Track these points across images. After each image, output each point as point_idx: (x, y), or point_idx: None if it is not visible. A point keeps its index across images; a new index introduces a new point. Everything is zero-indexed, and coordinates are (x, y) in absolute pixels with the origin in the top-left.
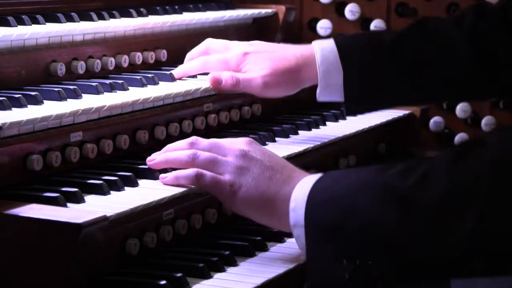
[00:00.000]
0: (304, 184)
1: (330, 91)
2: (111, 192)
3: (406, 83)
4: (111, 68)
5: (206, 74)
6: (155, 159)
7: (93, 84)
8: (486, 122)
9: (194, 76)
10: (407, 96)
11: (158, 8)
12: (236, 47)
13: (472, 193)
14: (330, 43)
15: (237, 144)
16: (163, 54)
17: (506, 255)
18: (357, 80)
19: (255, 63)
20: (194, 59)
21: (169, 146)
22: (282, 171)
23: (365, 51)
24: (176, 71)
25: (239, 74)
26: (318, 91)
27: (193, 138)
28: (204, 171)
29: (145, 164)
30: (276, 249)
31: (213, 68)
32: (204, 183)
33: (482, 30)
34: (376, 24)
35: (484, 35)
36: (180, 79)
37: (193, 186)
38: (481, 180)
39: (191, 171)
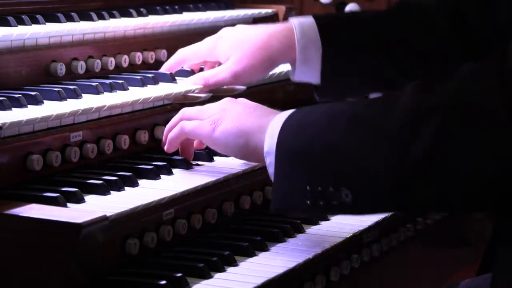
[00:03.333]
0: (282, 114)
1: (307, 67)
2: (111, 192)
3: (388, 63)
4: (111, 68)
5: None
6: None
7: (93, 84)
8: None
9: None
10: (385, 75)
11: (158, 8)
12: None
13: (429, 117)
14: (309, 20)
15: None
16: (163, 54)
17: (455, 185)
18: (334, 55)
19: (226, 46)
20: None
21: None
22: (265, 108)
23: (345, 26)
24: (162, 69)
25: (206, 72)
26: (296, 67)
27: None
28: (188, 121)
29: (145, 164)
30: (276, 249)
31: (190, 59)
32: (187, 132)
33: (464, 8)
34: None
35: (465, 13)
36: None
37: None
38: (440, 106)
39: (177, 126)
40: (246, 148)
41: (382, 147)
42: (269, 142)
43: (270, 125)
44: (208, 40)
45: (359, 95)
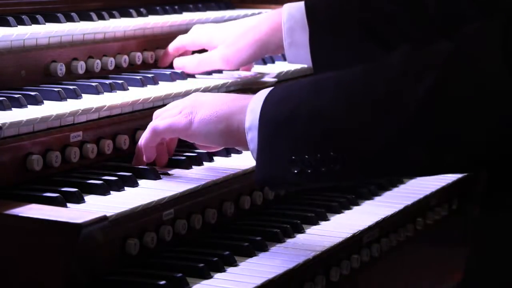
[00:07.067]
0: (263, 91)
1: (297, 50)
2: (111, 192)
3: (374, 42)
4: (111, 68)
5: (206, 73)
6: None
7: (93, 84)
8: None
9: (193, 76)
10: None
11: (158, 8)
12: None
13: (425, 74)
14: (300, 4)
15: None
16: None
17: (446, 145)
18: (322, 37)
19: (222, 35)
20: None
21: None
22: (236, 95)
23: (332, 8)
24: (163, 56)
25: (199, 55)
26: (285, 50)
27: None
28: (159, 121)
29: (145, 164)
30: (276, 249)
31: (189, 46)
32: (161, 131)
33: None
34: None
35: None
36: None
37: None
38: (437, 64)
39: (147, 130)
40: (228, 131)
41: (373, 109)
42: (251, 118)
43: (251, 101)
44: (207, 29)
45: None
